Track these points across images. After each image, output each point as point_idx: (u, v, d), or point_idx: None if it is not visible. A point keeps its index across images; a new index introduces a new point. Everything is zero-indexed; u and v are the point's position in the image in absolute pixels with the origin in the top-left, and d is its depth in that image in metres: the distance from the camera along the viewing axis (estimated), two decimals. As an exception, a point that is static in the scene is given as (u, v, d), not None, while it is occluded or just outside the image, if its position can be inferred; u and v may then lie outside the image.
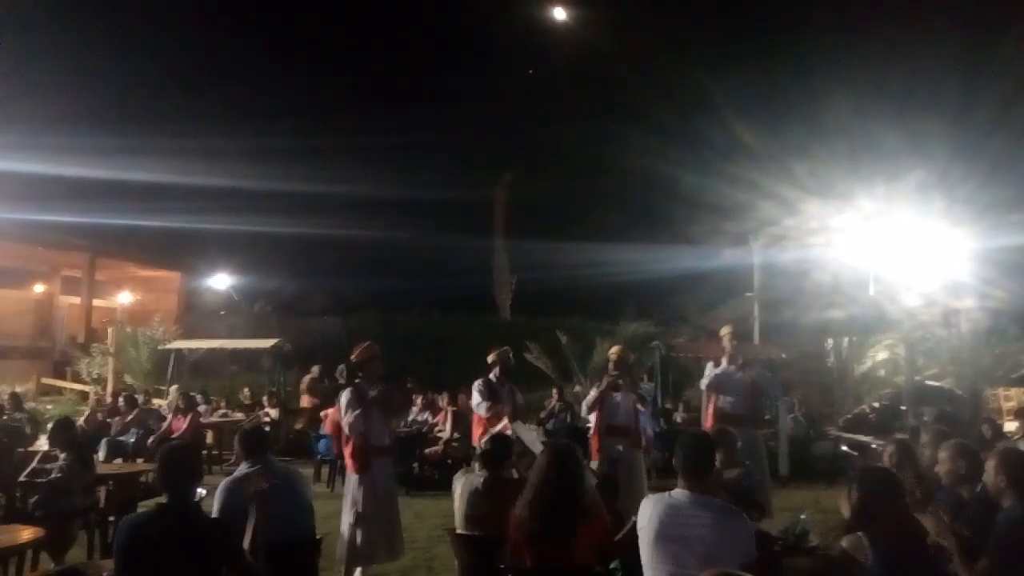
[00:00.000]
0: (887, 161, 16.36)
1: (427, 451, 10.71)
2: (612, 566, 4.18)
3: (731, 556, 3.13)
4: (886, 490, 3.30)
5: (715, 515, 3.30)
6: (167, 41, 24.97)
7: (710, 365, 7.55)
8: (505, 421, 6.40)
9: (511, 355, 7.06)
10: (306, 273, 24.91)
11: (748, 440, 6.98)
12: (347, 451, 5.91)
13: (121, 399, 12.13)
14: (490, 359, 6.96)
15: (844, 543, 3.21)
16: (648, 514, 3.39)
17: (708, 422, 7.36)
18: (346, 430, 5.78)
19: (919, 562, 3.15)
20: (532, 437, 6.36)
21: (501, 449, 4.63)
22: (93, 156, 16.99)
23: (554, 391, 13.08)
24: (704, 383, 7.49)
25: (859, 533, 3.19)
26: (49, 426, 7.20)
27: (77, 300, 22.48)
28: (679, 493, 3.39)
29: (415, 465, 10.57)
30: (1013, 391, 14.86)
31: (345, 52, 29.77)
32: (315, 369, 14.45)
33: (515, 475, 4.86)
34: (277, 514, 4.16)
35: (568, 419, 11.82)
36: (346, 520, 5.80)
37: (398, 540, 6.05)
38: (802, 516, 4.41)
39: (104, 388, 15.71)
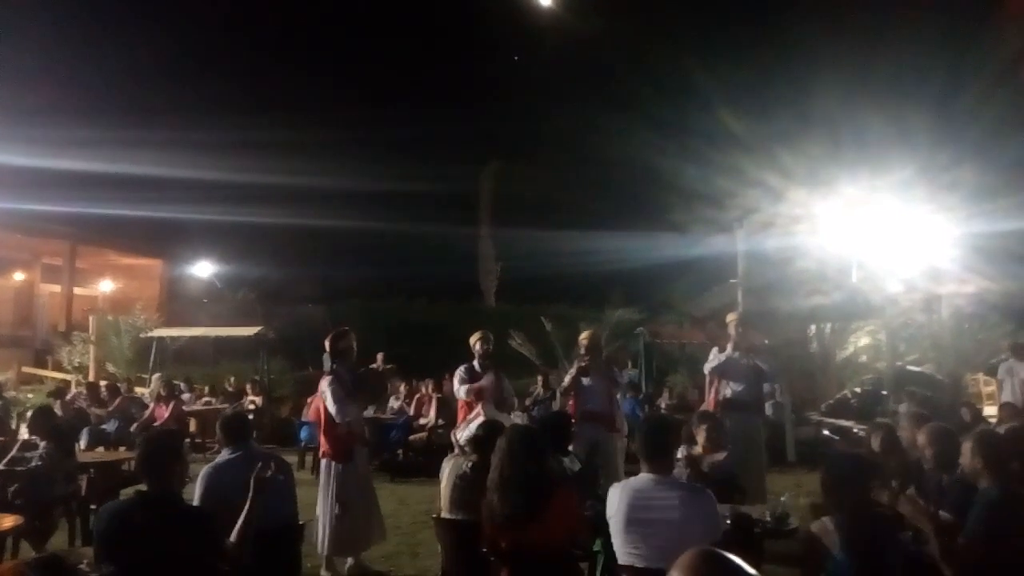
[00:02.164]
0: (871, 148, 16.43)
1: (411, 438, 10.72)
2: (595, 549, 4.21)
3: (699, 533, 3.16)
4: (853, 475, 3.33)
5: (680, 495, 3.36)
6: (150, 33, 24.73)
7: (715, 351, 7.55)
8: (479, 407, 6.40)
9: (491, 338, 7.05)
10: (290, 261, 24.80)
11: (749, 426, 7.04)
12: (328, 439, 5.86)
13: (103, 388, 12.03)
14: (471, 343, 6.98)
15: (813, 528, 3.24)
16: (616, 501, 3.44)
17: (711, 407, 7.38)
18: (337, 418, 5.72)
19: (885, 546, 3.18)
20: (507, 422, 6.36)
21: (493, 435, 4.64)
22: (75, 146, 16.84)
23: (539, 378, 13.11)
24: (708, 367, 7.49)
25: (825, 519, 3.22)
26: (29, 414, 7.14)
27: (58, 288, 22.27)
28: (643, 477, 3.44)
29: (399, 452, 10.58)
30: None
31: (327, 41, 29.58)
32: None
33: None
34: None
35: (553, 406, 11.84)
36: (329, 510, 5.73)
37: (382, 526, 6.06)
38: (782, 499, 4.45)
39: (86, 376, 15.59)
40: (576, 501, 3.80)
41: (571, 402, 6.98)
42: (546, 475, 3.76)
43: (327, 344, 6.00)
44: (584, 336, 7.26)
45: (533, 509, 3.59)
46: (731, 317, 7.64)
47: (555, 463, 4.45)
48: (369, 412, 9.52)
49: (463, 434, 6.25)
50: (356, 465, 5.85)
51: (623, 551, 3.39)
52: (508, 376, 7.39)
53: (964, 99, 15.78)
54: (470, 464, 4.43)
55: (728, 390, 7.31)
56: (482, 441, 4.54)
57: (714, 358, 7.45)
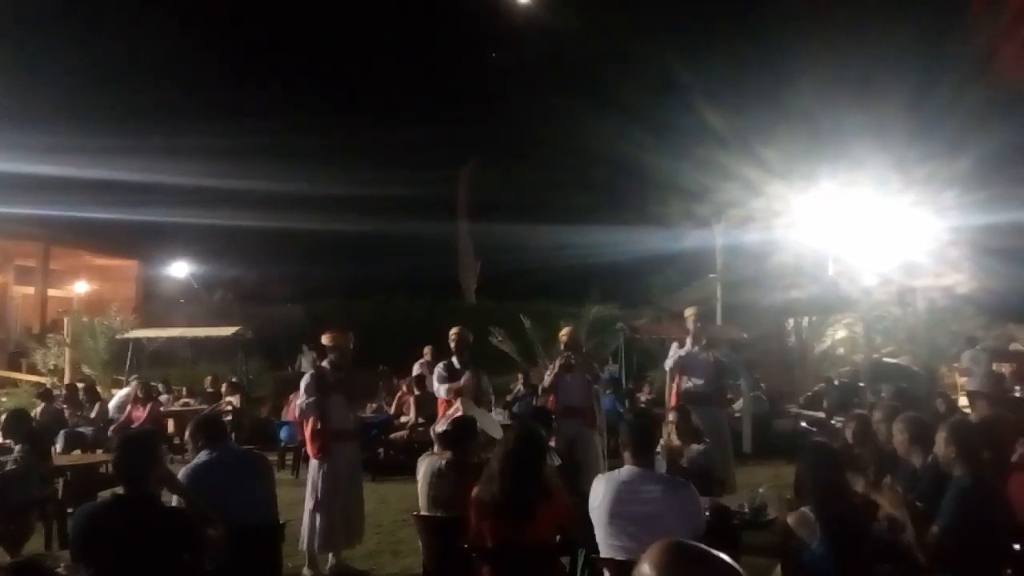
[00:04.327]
0: (848, 143, 16.61)
1: (392, 436, 10.69)
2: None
3: (681, 526, 3.21)
4: (827, 464, 3.40)
5: (663, 488, 3.40)
6: (123, 36, 24.40)
7: (674, 346, 7.67)
8: (459, 403, 6.41)
9: (469, 336, 7.09)
10: (268, 260, 24.61)
11: (712, 419, 7.10)
12: (307, 435, 5.87)
13: (82, 390, 11.90)
14: (449, 338, 7.01)
15: (789, 519, 3.28)
16: (600, 493, 3.48)
17: (672, 401, 7.48)
18: (296, 412, 5.80)
19: (862, 534, 3.24)
20: (486, 418, 6.37)
21: (461, 431, 4.65)
22: (48, 149, 16.63)
23: (520, 375, 13.13)
24: (668, 364, 7.61)
25: (804, 508, 3.26)
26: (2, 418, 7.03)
27: (31, 290, 21.93)
28: (627, 470, 3.48)
29: (380, 451, 10.55)
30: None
31: (301, 42, 29.38)
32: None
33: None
34: (239, 500, 4.13)
35: (534, 402, 11.86)
36: (306, 506, 5.78)
37: (358, 526, 6.02)
38: (760, 490, 4.50)
39: (61, 379, 15.39)
40: (567, 500, 3.84)
41: (551, 398, 7.02)
42: (543, 475, 3.80)
43: (323, 340, 6.03)
44: (564, 333, 7.33)
45: (528, 507, 3.63)
46: (689, 312, 7.76)
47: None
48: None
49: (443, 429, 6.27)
50: (335, 462, 5.81)
51: (605, 543, 3.42)
52: (489, 373, 7.42)
53: (938, 94, 15.99)
54: (445, 461, 4.44)
55: (689, 384, 7.41)
56: (454, 438, 4.55)
57: (673, 353, 7.58)
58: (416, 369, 13.99)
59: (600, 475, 3.60)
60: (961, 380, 14.26)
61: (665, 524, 3.24)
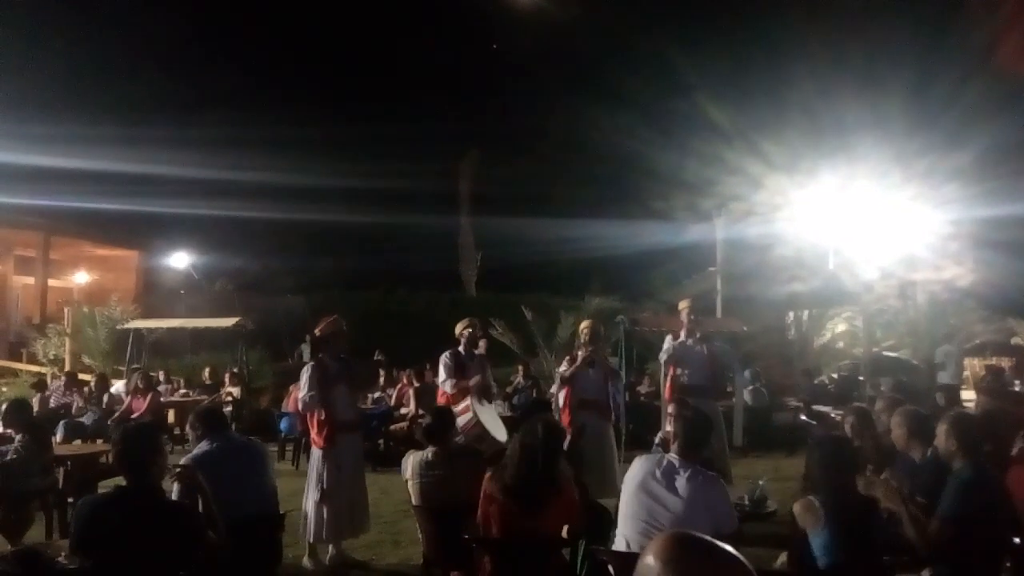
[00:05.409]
0: (849, 136, 16.61)
1: (392, 427, 10.70)
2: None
3: (704, 522, 3.24)
4: (841, 457, 3.43)
5: (695, 480, 3.44)
6: (124, 28, 24.38)
7: (669, 338, 7.72)
8: (467, 401, 6.29)
9: (478, 324, 7.02)
10: (269, 252, 24.58)
11: (706, 411, 7.10)
12: (312, 425, 5.86)
13: (93, 379, 11.95)
14: (458, 330, 6.91)
15: (795, 507, 3.32)
16: (637, 468, 3.57)
17: (667, 394, 7.49)
18: (299, 406, 5.78)
19: (868, 524, 3.26)
20: (495, 422, 6.31)
21: (441, 422, 4.68)
22: (49, 141, 16.61)
23: (519, 367, 13.13)
24: (663, 356, 7.63)
25: (811, 497, 3.30)
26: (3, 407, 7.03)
27: (31, 280, 21.95)
28: (672, 457, 3.56)
29: (380, 442, 10.56)
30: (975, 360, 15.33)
31: (304, 34, 29.33)
32: None
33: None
34: (240, 490, 4.13)
35: (534, 394, 11.88)
36: (311, 497, 5.76)
37: (363, 516, 6.02)
38: (760, 482, 4.51)
39: (61, 369, 15.40)
40: (576, 496, 3.88)
41: (565, 389, 6.98)
42: (559, 469, 3.83)
43: (316, 332, 6.00)
44: (585, 325, 7.28)
45: (539, 499, 3.67)
46: (683, 305, 7.80)
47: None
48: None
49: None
50: (339, 452, 5.81)
51: (625, 517, 3.49)
52: (489, 365, 7.36)
53: (939, 87, 15.95)
54: (431, 453, 4.46)
55: (684, 376, 7.43)
56: (435, 430, 4.57)
57: (668, 346, 7.59)
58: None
59: (644, 455, 3.69)
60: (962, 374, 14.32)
61: (687, 514, 3.31)
